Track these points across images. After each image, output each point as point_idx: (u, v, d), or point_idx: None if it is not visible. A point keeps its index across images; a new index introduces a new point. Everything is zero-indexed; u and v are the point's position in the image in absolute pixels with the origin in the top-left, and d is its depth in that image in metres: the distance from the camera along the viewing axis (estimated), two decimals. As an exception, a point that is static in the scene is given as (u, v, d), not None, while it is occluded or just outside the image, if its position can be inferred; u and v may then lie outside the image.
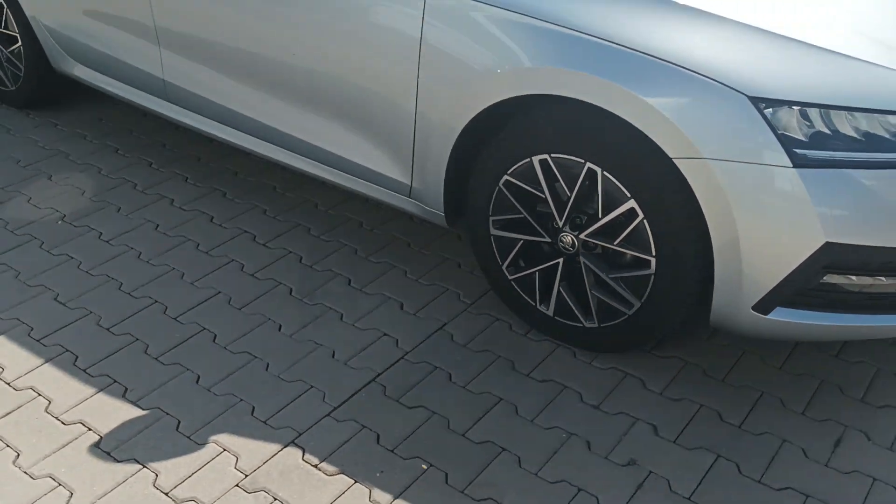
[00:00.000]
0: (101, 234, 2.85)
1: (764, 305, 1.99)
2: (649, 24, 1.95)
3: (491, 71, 2.11)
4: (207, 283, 2.61)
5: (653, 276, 2.09)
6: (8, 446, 2.02)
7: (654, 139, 1.93)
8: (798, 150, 1.84)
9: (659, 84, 1.90)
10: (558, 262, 2.25)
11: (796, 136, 1.85)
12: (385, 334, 2.41)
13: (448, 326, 2.44)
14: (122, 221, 2.92)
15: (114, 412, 2.13)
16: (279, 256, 2.74)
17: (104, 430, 2.07)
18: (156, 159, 3.31)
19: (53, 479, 1.93)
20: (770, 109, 1.85)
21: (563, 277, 2.27)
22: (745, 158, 1.86)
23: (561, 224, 2.20)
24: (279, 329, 2.43)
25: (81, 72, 3.33)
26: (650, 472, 1.98)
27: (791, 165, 1.83)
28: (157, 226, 2.90)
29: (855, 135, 1.87)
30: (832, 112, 1.86)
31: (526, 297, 2.37)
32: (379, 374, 2.26)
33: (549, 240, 2.25)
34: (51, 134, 3.51)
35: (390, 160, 2.47)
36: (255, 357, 2.32)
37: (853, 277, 1.97)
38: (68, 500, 1.88)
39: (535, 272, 2.31)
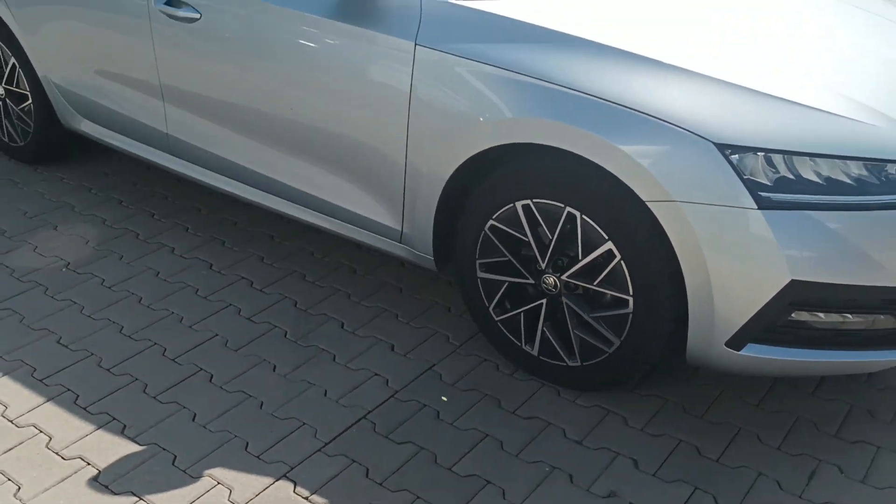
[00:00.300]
0: (104, 280, 2.96)
1: (736, 342, 2.08)
2: (623, 78, 2.09)
3: (474, 122, 2.24)
4: (205, 327, 2.70)
5: (631, 315, 2.19)
6: (9, 480, 2.09)
7: (628, 184, 2.05)
8: (763, 194, 1.96)
9: (633, 133, 2.03)
10: (542, 303, 2.35)
11: (761, 181, 1.97)
12: (376, 374, 2.49)
13: (437, 367, 2.53)
14: (124, 269, 3.02)
15: (112, 448, 2.20)
16: (275, 301, 2.84)
17: (102, 465, 2.14)
18: (158, 210, 3.43)
19: (52, 511, 2.00)
20: (736, 156, 1.97)
21: (547, 318, 2.36)
22: (714, 201, 1.97)
23: (544, 266, 2.31)
24: (273, 369, 2.51)
25: (88, 127, 3.47)
26: (630, 503, 2.04)
27: (756, 207, 1.95)
28: (158, 273, 3.00)
29: (817, 179, 1.99)
30: (795, 158, 1.98)
31: (512, 338, 2.46)
32: (369, 412, 2.34)
33: (533, 281, 2.35)
34: (57, 187, 3.64)
35: (382, 207, 2.59)
36: (250, 396, 2.40)
37: (820, 315, 2.07)
38: (66, 531, 1.95)
39: (520, 313, 2.41)
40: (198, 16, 2.77)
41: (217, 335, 2.66)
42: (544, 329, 2.37)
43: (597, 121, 2.06)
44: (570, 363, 2.36)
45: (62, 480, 2.09)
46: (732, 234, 1.98)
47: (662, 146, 2.00)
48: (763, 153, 1.98)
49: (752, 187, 1.96)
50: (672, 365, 2.47)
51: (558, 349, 2.36)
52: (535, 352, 2.42)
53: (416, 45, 2.32)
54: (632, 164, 2.02)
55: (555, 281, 2.30)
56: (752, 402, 2.38)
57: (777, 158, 1.98)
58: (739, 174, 1.96)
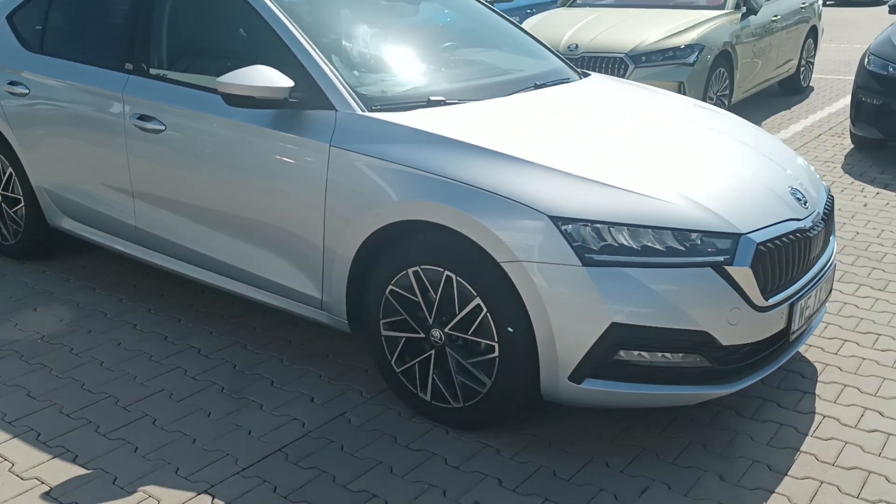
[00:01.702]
0: (72, 349, 3.43)
1: (576, 377, 2.57)
2: (484, 168, 2.67)
3: (372, 206, 2.81)
4: (155, 384, 3.16)
5: (497, 359, 2.67)
6: (-25, 493, 2.51)
7: (487, 249, 2.59)
8: (588, 255, 2.50)
9: (489, 209, 2.59)
10: (431, 354, 2.84)
11: (589, 245, 2.51)
12: (294, 419, 2.94)
13: (348, 413, 2.98)
14: (91, 340, 3.51)
15: (64, 471, 2.63)
16: (217, 364, 3.31)
17: (54, 483, 2.57)
18: (126, 295, 3.94)
19: (9, 516, 2.41)
20: (568, 226, 2.53)
21: (436, 366, 2.84)
22: (549, 261, 2.51)
23: (431, 322, 2.81)
24: (208, 415, 2.96)
25: (69, 224, 4.04)
26: (491, 512, 2.47)
27: (581, 265, 2.48)
28: (120, 343, 3.48)
29: (634, 245, 2.53)
30: (613, 228, 2.53)
31: (410, 387, 2.93)
32: (284, 446, 2.78)
33: (424, 335, 2.85)
34: (40, 277, 4.17)
35: (308, 280, 3.11)
36: (185, 434, 2.84)
37: (644, 354, 2.56)
38: (19, 530, 2.36)
39: (415, 364, 2.89)
40: (163, 128, 3.39)
41: (164, 389, 3.12)
42: (434, 377, 2.85)
43: (462, 200, 2.62)
44: (455, 405, 2.82)
45: (19, 495, 2.51)
46: (565, 287, 2.50)
47: (511, 219, 2.56)
48: (589, 224, 2.53)
49: (580, 250, 2.50)
50: (543, 406, 2.93)
51: (445, 393, 2.83)
52: (427, 397, 2.88)
53: (329, 146, 2.92)
54: (488, 233, 2.57)
55: (440, 334, 2.80)
56: (608, 438, 2.82)
57: (601, 228, 2.53)
58: (569, 240, 2.50)
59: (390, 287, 2.86)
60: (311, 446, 2.78)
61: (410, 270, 2.80)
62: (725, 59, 7.26)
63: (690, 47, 6.85)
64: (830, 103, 8.77)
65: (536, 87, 3.46)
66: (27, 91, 3.98)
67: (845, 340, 3.52)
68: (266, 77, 2.93)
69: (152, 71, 3.52)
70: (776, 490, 2.57)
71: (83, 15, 3.97)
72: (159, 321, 3.69)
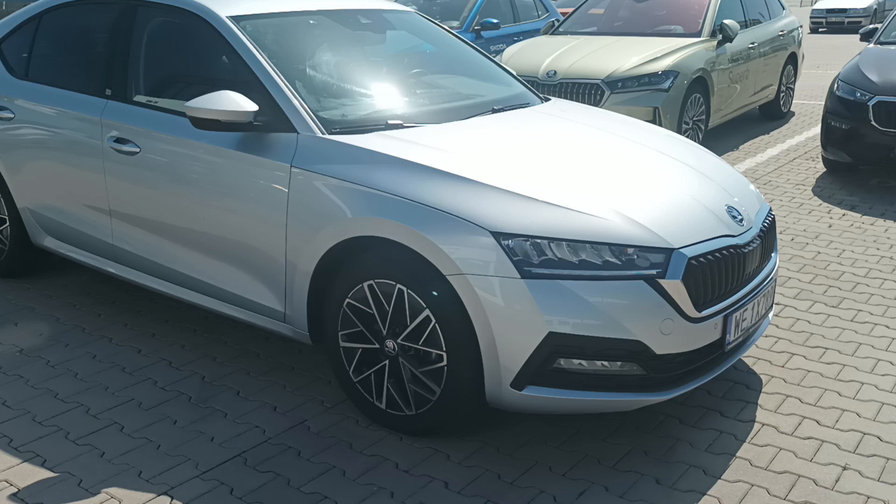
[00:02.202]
0: (49, 361, 3.58)
1: (518, 383, 2.71)
2: (431, 187, 2.83)
3: (328, 223, 2.96)
4: (125, 393, 3.30)
5: (446, 367, 2.81)
6: (-54, 494, 2.65)
7: (434, 263, 2.74)
8: (527, 268, 2.65)
9: (436, 225, 2.75)
10: (385, 364, 2.98)
11: (527, 259, 2.66)
12: (256, 426, 3.08)
13: (308, 421, 3.12)
14: (68, 353, 3.65)
15: (32, 474, 2.76)
16: (186, 376, 3.45)
17: (22, 485, 2.70)
18: (104, 311, 4.09)
19: (-23, 515, 2.55)
20: (508, 241, 2.68)
21: (390, 375, 2.98)
22: (491, 273, 2.66)
23: (385, 333, 2.95)
24: (174, 423, 3.10)
25: (51, 242, 4.20)
26: (436, 513, 2.60)
27: (520, 277, 2.63)
28: (95, 356, 3.63)
29: (570, 258, 2.68)
30: (553, 242, 2.69)
31: (366, 396, 3.06)
32: (244, 451, 2.91)
33: (379, 346, 2.99)
34: (23, 294, 4.32)
35: (272, 294, 3.26)
36: (151, 441, 2.98)
37: (584, 363, 2.71)
38: (-15, 528, 2.49)
39: (370, 374, 3.03)
40: (138, 150, 3.56)
41: (133, 399, 3.26)
42: (388, 385, 2.99)
43: (411, 217, 2.78)
44: (408, 412, 2.96)
45: (-12, 496, 2.65)
46: (505, 298, 2.65)
47: (456, 235, 2.71)
48: (529, 239, 2.69)
49: (520, 264, 2.66)
50: (496, 415, 3.06)
51: (399, 401, 2.97)
52: (383, 405, 3.02)
53: (291, 166, 3.08)
54: (435, 248, 2.72)
55: (393, 344, 2.94)
56: (554, 444, 2.96)
57: (542, 242, 2.69)
58: (509, 254, 2.66)
59: (347, 300, 3.01)
60: (270, 452, 2.92)
61: (366, 284, 2.95)
62: (701, 85, 7.45)
63: (665, 73, 7.04)
64: (809, 128, 8.96)
65: (494, 111, 3.63)
66: (12, 115, 4.16)
67: (793, 354, 3.66)
68: (231, 101, 3.10)
69: (129, 96, 3.69)
70: (708, 492, 2.69)
71: (66, 43, 4.16)
72: (134, 336, 3.83)
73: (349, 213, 2.91)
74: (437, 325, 2.79)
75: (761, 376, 3.47)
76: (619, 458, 2.88)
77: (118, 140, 3.64)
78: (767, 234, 3.23)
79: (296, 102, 3.19)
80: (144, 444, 2.96)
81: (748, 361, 3.59)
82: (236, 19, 3.48)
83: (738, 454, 2.91)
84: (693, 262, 2.76)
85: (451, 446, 2.94)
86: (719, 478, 2.77)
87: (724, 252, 2.88)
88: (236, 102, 3.10)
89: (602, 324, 2.65)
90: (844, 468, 2.82)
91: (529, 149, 3.24)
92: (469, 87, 4.02)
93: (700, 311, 2.78)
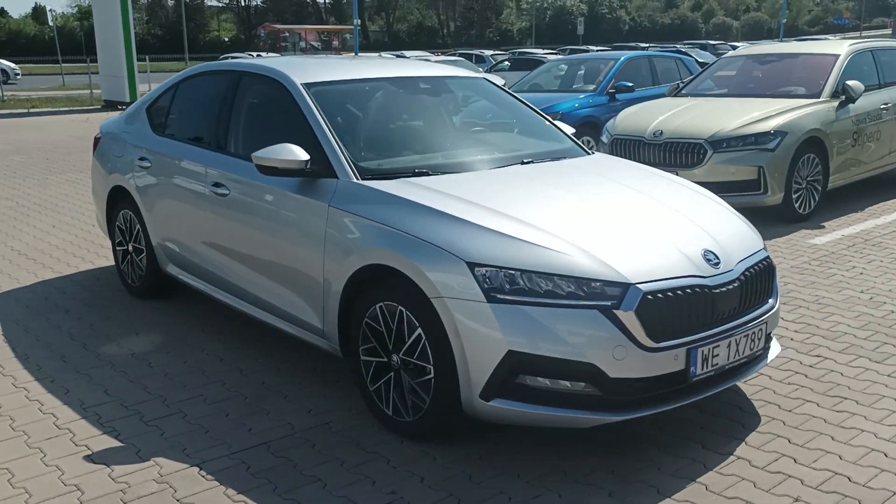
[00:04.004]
0: (150, 363, 4.36)
1: (486, 395, 3.10)
2: (425, 222, 3.32)
3: (351, 252, 3.52)
4: (198, 390, 3.99)
5: (433, 380, 3.25)
6: None
7: (422, 287, 3.21)
8: (493, 293, 3.06)
9: (424, 254, 3.23)
10: (391, 375, 3.46)
11: (496, 286, 3.08)
12: (289, 423, 3.64)
13: (331, 423, 3.64)
14: (167, 358, 4.41)
15: (105, 443, 3.48)
16: (251, 381, 4.10)
17: (96, 450, 3.42)
18: (207, 328, 4.87)
19: None
20: (481, 269, 3.11)
21: (395, 386, 3.46)
22: (464, 297, 3.09)
23: (391, 348, 3.44)
24: (227, 415, 3.73)
25: (172, 269, 5.06)
26: (407, 501, 3.02)
27: (486, 301, 3.05)
28: (186, 361, 4.37)
29: (536, 287, 3.06)
30: (523, 273, 3.08)
31: (378, 403, 3.55)
32: (270, 441, 3.48)
33: (387, 360, 3.48)
34: (150, 312, 5.20)
35: (313, 312, 3.85)
36: (203, 427, 3.62)
37: (546, 380, 3.06)
38: None
39: (381, 384, 3.52)
40: (228, 192, 4.32)
41: (202, 395, 3.94)
42: (393, 395, 3.46)
43: (406, 247, 3.28)
44: (408, 419, 3.41)
45: (70, 455, 3.38)
46: (474, 319, 3.07)
47: (438, 263, 3.18)
48: (500, 269, 3.10)
49: (488, 290, 3.07)
50: (492, 428, 3.44)
51: (401, 408, 3.43)
52: (389, 412, 3.49)
53: (328, 206, 3.69)
54: (422, 274, 3.20)
55: (397, 358, 3.42)
56: (529, 457, 3.29)
57: (514, 273, 3.09)
58: (479, 281, 3.08)
59: (365, 319, 3.54)
60: (291, 443, 3.47)
61: (377, 305, 3.46)
62: (817, 145, 7.39)
63: (772, 133, 7.10)
64: (951, 192, 8.51)
65: (523, 163, 4.07)
66: (150, 165, 5.10)
67: (807, 401, 3.75)
68: (288, 151, 3.77)
69: (225, 147, 4.49)
70: (652, 507, 2.93)
71: (192, 105, 5.07)
72: (222, 349, 4.55)
73: (364, 244, 3.46)
74: (426, 341, 3.25)
75: (763, 417, 3.60)
76: (586, 473, 3.17)
77: (215, 184, 4.42)
78: (754, 279, 3.41)
79: (339, 153, 3.80)
80: (197, 430, 3.60)
81: (756, 404, 3.72)
82: (308, 86, 4.18)
83: (698, 479, 3.10)
84: (649, 296, 3.05)
85: (440, 450, 3.35)
86: (669, 497, 2.99)
87: (688, 290, 3.14)
88: (293, 152, 3.76)
89: (558, 346, 3.00)
90: (796, 500, 2.95)
91: (525, 193, 3.65)
92: (512, 143, 4.48)
93: (658, 342, 3.05)
